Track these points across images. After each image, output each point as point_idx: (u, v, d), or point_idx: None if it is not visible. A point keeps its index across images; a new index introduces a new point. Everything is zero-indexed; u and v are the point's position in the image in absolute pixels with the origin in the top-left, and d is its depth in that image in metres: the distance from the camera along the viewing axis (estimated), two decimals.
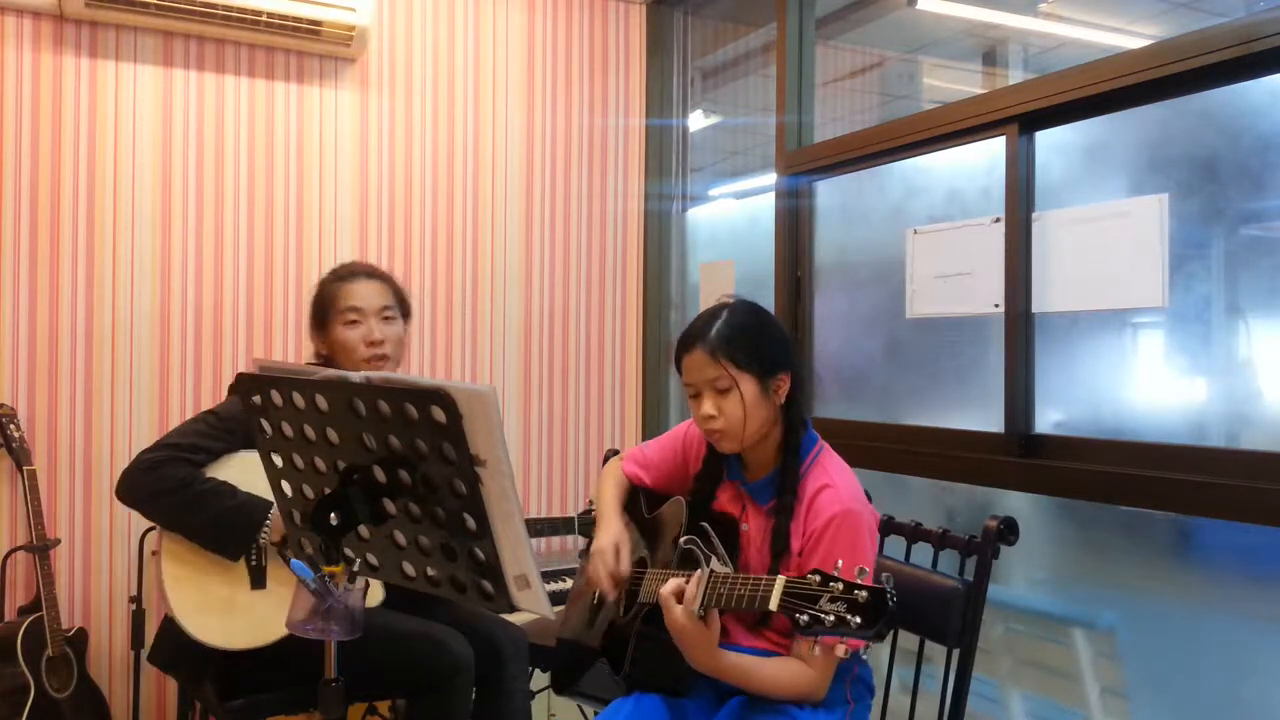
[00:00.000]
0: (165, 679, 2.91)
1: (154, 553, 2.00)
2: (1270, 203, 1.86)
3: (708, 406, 1.68)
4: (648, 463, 1.98)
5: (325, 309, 2.16)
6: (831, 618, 1.31)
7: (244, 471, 2.00)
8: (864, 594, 1.30)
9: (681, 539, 1.68)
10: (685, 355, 1.71)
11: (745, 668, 1.61)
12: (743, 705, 1.67)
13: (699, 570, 1.53)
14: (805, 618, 1.33)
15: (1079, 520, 2.22)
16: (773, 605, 1.37)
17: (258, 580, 1.99)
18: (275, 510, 1.96)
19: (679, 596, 1.53)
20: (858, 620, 1.29)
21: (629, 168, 3.63)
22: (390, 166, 3.24)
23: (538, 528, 2.53)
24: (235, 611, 1.96)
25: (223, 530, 1.96)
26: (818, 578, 1.35)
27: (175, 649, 2.05)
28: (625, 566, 1.80)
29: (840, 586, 1.32)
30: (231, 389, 2.14)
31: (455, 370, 3.34)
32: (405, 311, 2.24)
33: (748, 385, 1.66)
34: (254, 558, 1.99)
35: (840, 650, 1.37)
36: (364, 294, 2.14)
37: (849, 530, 1.62)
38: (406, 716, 2.16)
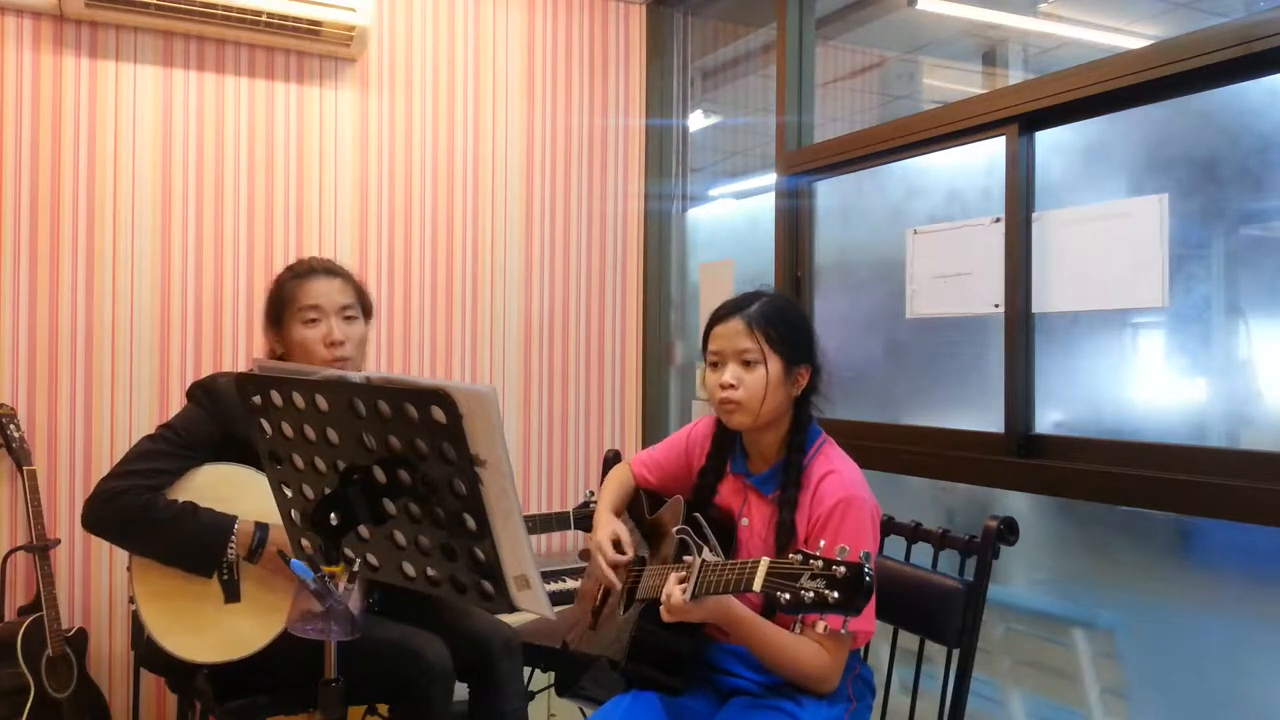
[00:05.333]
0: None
1: (127, 569, 2.00)
2: (1270, 203, 1.86)
3: (729, 375, 1.72)
4: (654, 463, 2.02)
5: (282, 307, 2.07)
6: (811, 594, 1.33)
7: (208, 486, 1.97)
8: (842, 569, 1.32)
9: (675, 529, 1.70)
10: (720, 324, 1.76)
11: (761, 627, 1.61)
12: (743, 705, 1.68)
13: (691, 562, 1.54)
14: (786, 596, 1.35)
15: (1079, 520, 2.22)
16: (756, 586, 1.39)
17: (231, 594, 1.96)
18: (239, 524, 1.94)
19: (670, 595, 1.54)
20: (835, 595, 1.31)
21: (629, 168, 3.63)
22: (390, 166, 3.24)
23: (532, 524, 2.52)
24: (209, 627, 1.94)
25: (189, 552, 1.93)
26: (799, 557, 1.37)
27: (158, 660, 2.04)
28: (627, 554, 1.83)
29: (820, 564, 1.34)
30: (188, 395, 2.08)
31: (455, 370, 3.34)
32: (367, 310, 2.16)
33: (774, 365, 1.71)
34: (225, 572, 1.96)
35: (820, 627, 1.38)
36: (323, 292, 2.06)
37: (854, 515, 1.64)
38: None
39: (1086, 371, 2.17)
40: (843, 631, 1.47)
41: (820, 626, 1.39)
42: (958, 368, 2.49)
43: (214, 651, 1.94)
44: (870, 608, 1.66)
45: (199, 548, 1.93)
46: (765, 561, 1.41)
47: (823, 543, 1.41)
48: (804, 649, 1.62)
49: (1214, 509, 1.81)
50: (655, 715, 1.68)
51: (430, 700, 2.00)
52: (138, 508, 1.90)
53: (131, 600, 2.80)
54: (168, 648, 1.92)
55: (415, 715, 2.02)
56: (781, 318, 1.74)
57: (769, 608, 1.67)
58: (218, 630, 1.95)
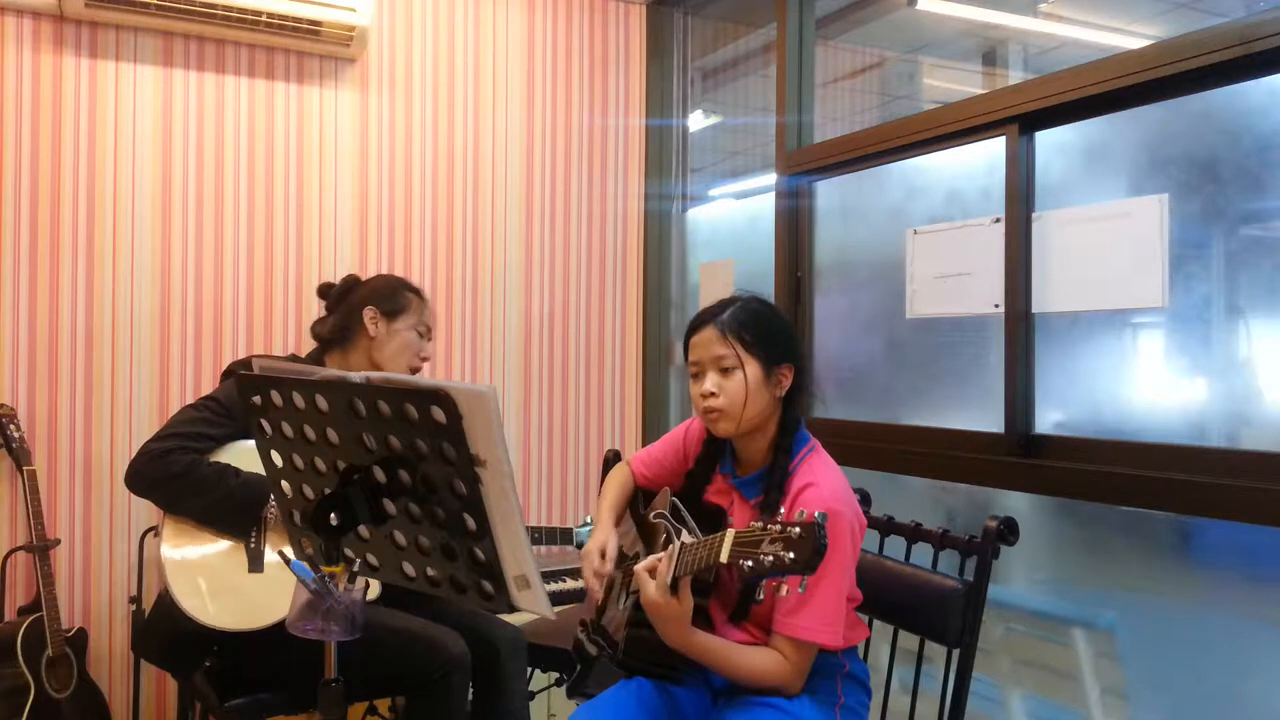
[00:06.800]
0: (165, 679, 2.91)
1: (154, 530, 2.03)
2: (1270, 203, 1.86)
3: (709, 384, 1.71)
4: (653, 460, 2.02)
5: (402, 309, 2.30)
6: (770, 558, 1.35)
7: (245, 457, 2.03)
8: (797, 530, 1.34)
9: (652, 515, 1.70)
10: (695, 333, 1.76)
11: (716, 648, 1.62)
12: (735, 701, 1.68)
13: (671, 545, 1.55)
14: (749, 564, 1.37)
15: (1079, 520, 2.22)
16: (723, 558, 1.41)
17: (255, 563, 2.02)
18: None
19: (652, 573, 1.56)
20: (791, 556, 1.33)
21: (629, 168, 3.63)
22: (390, 166, 3.24)
23: (536, 536, 2.54)
24: (230, 592, 1.98)
25: (228, 509, 2.00)
26: (760, 524, 1.39)
27: (166, 638, 2.06)
28: (609, 566, 1.83)
29: (778, 528, 1.37)
30: (225, 375, 2.26)
31: (455, 371, 3.34)
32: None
33: (752, 369, 1.70)
34: (254, 540, 2.03)
35: (783, 590, 1.40)
36: (431, 316, 2.41)
37: (829, 529, 1.62)
38: (404, 715, 2.17)
39: (1086, 371, 2.17)
40: (802, 597, 1.46)
41: (784, 590, 1.41)
42: (958, 368, 2.49)
43: (230, 617, 1.96)
44: (836, 619, 1.63)
45: (237, 507, 2.00)
46: (731, 533, 1.43)
47: (782, 510, 1.42)
48: (764, 665, 1.62)
49: (1214, 509, 1.81)
50: (651, 709, 1.69)
51: (450, 689, 2.04)
52: (183, 465, 1.98)
53: (132, 601, 2.81)
54: (187, 610, 1.94)
55: (432, 706, 2.05)
56: (755, 320, 1.73)
57: (745, 597, 1.68)
58: (237, 596, 1.98)
